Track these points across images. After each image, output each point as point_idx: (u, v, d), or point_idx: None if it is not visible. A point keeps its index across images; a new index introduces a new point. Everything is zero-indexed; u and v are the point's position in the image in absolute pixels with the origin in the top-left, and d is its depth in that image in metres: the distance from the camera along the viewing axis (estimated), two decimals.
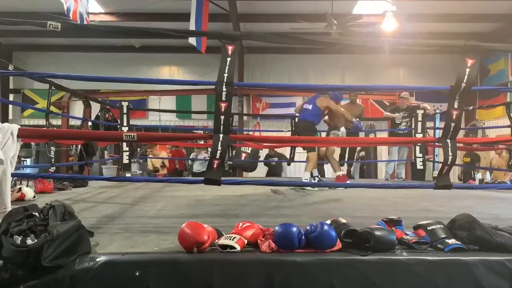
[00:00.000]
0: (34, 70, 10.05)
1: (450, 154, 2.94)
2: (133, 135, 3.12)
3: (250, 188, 4.99)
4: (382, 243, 2.17)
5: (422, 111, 7.23)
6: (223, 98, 2.80)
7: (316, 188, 5.24)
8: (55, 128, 7.73)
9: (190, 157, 10.39)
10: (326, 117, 5.96)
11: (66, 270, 1.98)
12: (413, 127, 7.23)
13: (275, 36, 3.66)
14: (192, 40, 8.14)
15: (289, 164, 7.65)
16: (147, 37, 10.60)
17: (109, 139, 6.25)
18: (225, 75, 2.79)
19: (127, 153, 7.04)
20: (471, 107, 8.27)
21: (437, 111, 8.60)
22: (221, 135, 2.84)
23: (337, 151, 8.12)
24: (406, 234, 2.35)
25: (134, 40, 11.66)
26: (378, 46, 6.45)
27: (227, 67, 2.80)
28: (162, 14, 9.73)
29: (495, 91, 9.83)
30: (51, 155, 5.11)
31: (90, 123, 7.09)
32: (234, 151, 8.86)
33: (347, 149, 8.13)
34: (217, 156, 2.83)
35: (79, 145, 6.84)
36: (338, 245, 2.18)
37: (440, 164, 3.08)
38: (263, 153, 9.79)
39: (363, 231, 2.22)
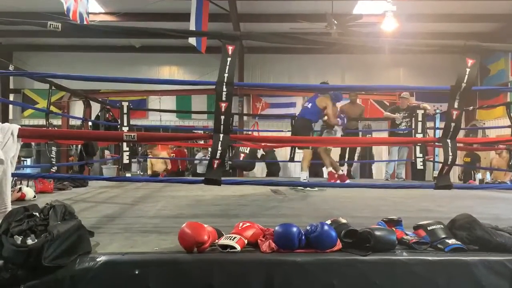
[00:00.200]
0: (34, 70, 10.05)
1: (450, 154, 2.94)
2: (134, 135, 3.12)
3: (250, 188, 5.00)
4: (382, 243, 2.18)
5: (422, 111, 7.24)
6: (224, 98, 2.80)
7: (316, 188, 5.24)
8: (55, 128, 7.73)
9: (196, 158, 10.38)
10: (326, 117, 5.97)
11: (67, 270, 1.98)
12: (413, 127, 7.23)
13: (275, 36, 3.66)
14: (192, 40, 8.13)
15: (292, 160, 7.64)
16: (147, 37, 10.62)
17: (109, 139, 6.25)
18: (225, 75, 2.79)
19: (127, 153, 7.04)
20: (471, 107, 8.27)
21: (437, 111, 8.61)
22: (221, 135, 2.84)
23: (337, 151, 8.15)
24: (406, 234, 2.35)
25: (134, 40, 11.65)
26: (378, 46, 6.45)
27: (227, 67, 2.80)
28: (162, 14, 9.72)
29: (495, 91, 9.83)
30: (52, 155, 5.11)
31: (90, 123, 7.09)
32: (233, 151, 8.89)
33: (347, 149, 8.13)
34: (217, 156, 2.83)
35: (79, 145, 6.84)
36: (338, 245, 2.18)
37: (440, 164, 3.08)
38: (262, 153, 9.81)
39: (363, 231, 2.22)
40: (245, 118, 11.70)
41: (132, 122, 7.49)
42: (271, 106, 11.93)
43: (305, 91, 9.15)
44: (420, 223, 2.43)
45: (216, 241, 2.20)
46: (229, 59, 2.80)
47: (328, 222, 2.33)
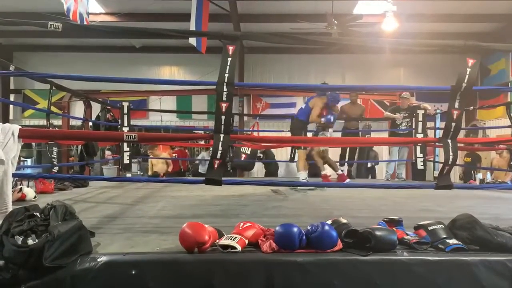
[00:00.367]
0: (35, 70, 10.03)
1: (451, 154, 2.94)
2: (134, 135, 3.12)
3: (251, 188, 5.00)
4: (383, 243, 2.18)
5: (422, 111, 7.23)
6: (224, 98, 2.80)
7: (313, 188, 5.24)
8: (56, 129, 7.73)
9: (199, 158, 10.37)
10: (323, 119, 5.96)
11: (67, 270, 1.98)
12: (413, 127, 7.23)
13: (276, 36, 3.66)
14: (192, 41, 8.13)
15: (292, 161, 7.65)
16: (147, 37, 10.59)
17: (110, 139, 6.24)
18: (226, 75, 2.80)
19: (128, 153, 7.04)
20: (472, 107, 8.27)
21: (438, 111, 8.60)
22: (222, 135, 2.84)
23: (338, 151, 8.15)
24: (407, 234, 2.35)
25: (134, 40, 11.67)
26: (379, 46, 6.43)
27: (227, 67, 2.80)
28: (162, 14, 9.73)
29: (495, 91, 9.82)
30: (54, 156, 5.11)
31: (90, 124, 7.09)
32: (233, 151, 8.88)
33: (348, 149, 8.13)
34: (218, 156, 2.83)
35: (80, 146, 6.84)
36: (339, 245, 2.18)
37: (441, 164, 3.08)
38: (259, 154, 9.81)
39: (363, 231, 2.22)
40: (245, 118, 11.70)
41: (133, 122, 7.49)
42: (271, 106, 11.93)
43: (305, 91, 9.15)
44: (421, 223, 2.43)
45: (217, 241, 2.20)
46: (229, 59, 2.80)
47: (329, 222, 2.33)
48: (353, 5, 9.23)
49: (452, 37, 10.02)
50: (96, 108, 7.77)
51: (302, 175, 5.72)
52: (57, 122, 9.55)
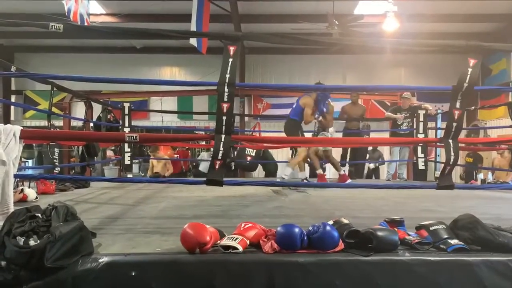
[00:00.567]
0: (36, 71, 10.02)
1: (452, 154, 2.94)
2: (136, 136, 3.12)
3: (252, 189, 5.00)
4: (385, 244, 2.18)
5: (423, 111, 7.22)
6: (225, 99, 2.80)
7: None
8: (57, 129, 7.74)
9: (200, 158, 10.37)
10: (320, 117, 5.94)
11: (69, 271, 1.98)
12: (414, 127, 7.22)
13: (277, 37, 3.66)
14: (193, 41, 8.14)
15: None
16: (148, 38, 10.60)
17: (111, 140, 6.25)
18: (227, 75, 2.80)
19: (129, 154, 7.05)
20: (473, 107, 8.26)
21: (439, 111, 8.59)
22: (223, 136, 2.84)
23: (339, 151, 8.13)
24: (409, 235, 2.35)
25: (135, 41, 11.68)
26: (379, 47, 6.44)
27: (229, 68, 2.80)
28: (163, 15, 9.74)
29: (496, 91, 9.81)
30: (55, 156, 5.11)
31: (91, 124, 7.09)
32: (236, 152, 8.88)
33: (349, 149, 8.13)
34: (219, 157, 2.83)
35: (81, 146, 6.84)
36: (341, 245, 2.18)
37: (442, 165, 3.07)
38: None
39: (365, 232, 2.22)
40: (246, 118, 11.70)
41: (134, 123, 7.49)
42: (272, 107, 11.93)
43: (306, 92, 9.13)
44: (422, 223, 2.43)
45: (218, 241, 2.20)
46: (230, 59, 2.81)
47: (330, 222, 2.33)
48: (353, 5, 9.24)
49: (453, 37, 10.01)
50: (97, 109, 7.78)
51: (287, 171, 5.73)
52: (58, 123, 9.57)
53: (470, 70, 2.82)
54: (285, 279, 2.06)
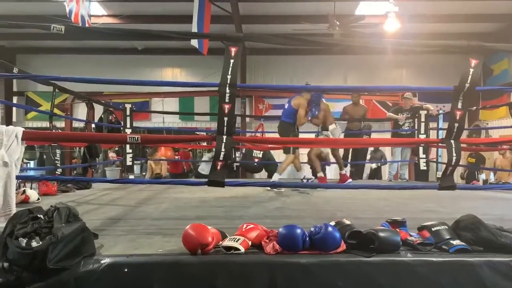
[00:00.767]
0: (38, 72, 10.06)
1: (454, 154, 2.93)
2: (137, 137, 3.12)
3: (253, 189, 4.99)
4: (387, 244, 2.18)
5: (425, 112, 7.21)
6: (227, 100, 2.80)
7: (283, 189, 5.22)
8: (59, 131, 7.75)
9: (203, 159, 10.36)
10: (310, 117, 5.87)
11: (71, 272, 1.99)
12: (416, 127, 7.21)
13: (278, 38, 3.67)
14: (194, 42, 8.15)
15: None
16: (149, 39, 10.66)
17: (113, 141, 6.26)
18: (229, 76, 2.80)
19: (131, 155, 7.05)
20: (474, 107, 8.24)
21: (440, 111, 8.58)
22: (224, 137, 2.84)
23: (340, 151, 8.11)
24: (411, 235, 2.35)
25: (137, 42, 11.70)
26: (381, 47, 6.44)
27: (230, 68, 2.80)
28: (164, 16, 9.76)
29: (498, 91, 9.81)
30: (57, 158, 5.11)
31: (93, 125, 7.10)
32: (243, 155, 8.87)
33: (350, 149, 8.12)
34: (221, 158, 2.83)
35: (82, 147, 6.85)
36: (343, 246, 2.18)
37: (444, 165, 3.07)
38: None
39: (367, 233, 2.22)
40: (247, 119, 11.71)
41: (135, 124, 7.50)
42: (274, 108, 11.93)
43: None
44: (424, 224, 2.42)
45: (220, 242, 2.21)
46: (232, 60, 2.81)
47: (332, 223, 2.33)
48: (355, 6, 9.23)
49: (454, 37, 10.01)
50: (98, 110, 7.79)
51: (275, 178, 5.64)
52: (60, 124, 9.57)
53: (471, 70, 2.82)
54: (287, 280, 2.06)
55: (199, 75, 11.76)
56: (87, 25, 7.12)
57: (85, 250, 2.07)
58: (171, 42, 11.23)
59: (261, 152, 8.93)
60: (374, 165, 9.28)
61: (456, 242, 2.24)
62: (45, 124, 6.92)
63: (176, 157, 10.19)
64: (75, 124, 9.73)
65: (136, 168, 9.68)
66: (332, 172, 8.54)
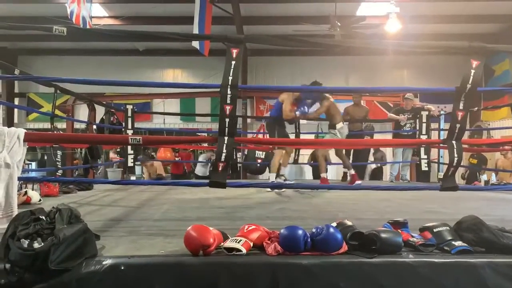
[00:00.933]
0: (39, 73, 10.08)
1: (456, 155, 2.93)
2: (139, 139, 3.13)
3: (254, 190, 4.98)
4: (388, 245, 2.17)
5: (426, 113, 7.21)
6: (228, 101, 2.81)
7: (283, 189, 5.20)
8: (60, 132, 7.75)
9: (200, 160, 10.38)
10: (299, 113, 5.82)
11: (73, 273, 1.99)
12: (417, 128, 7.21)
13: (279, 39, 3.67)
14: (195, 43, 8.16)
15: (295, 162, 7.63)
16: (151, 41, 10.67)
17: (115, 142, 6.26)
18: (230, 78, 2.80)
19: (132, 156, 7.06)
20: (476, 108, 8.23)
21: (442, 112, 8.57)
22: (226, 138, 2.84)
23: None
24: (412, 236, 2.34)
25: (138, 43, 11.72)
26: (382, 48, 6.44)
27: (231, 70, 2.81)
28: (165, 18, 9.77)
29: (500, 92, 9.79)
30: (58, 159, 5.12)
31: (95, 127, 7.10)
32: (244, 155, 8.87)
33: (352, 150, 8.11)
34: (222, 159, 2.83)
35: (84, 149, 6.86)
36: (344, 247, 2.18)
37: (445, 166, 3.07)
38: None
39: (369, 234, 2.22)
40: (248, 120, 11.70)
41: (137, 125, 7.51)
42: None
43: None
44: (426, 225, 2.42)
45: (222, 244, 2.20)
46: (233, 62, 2.81)
47: (334, 224, 2.33)
48: (356, 7, 9.24)
49: (455, 38, 10.01)
50: (100, 111, 7.79)
51: (272, 177, 5.63)
52: (61, 125, 9.58)
53: (473, 71, 2.82)
54: (288, 281, 2.05)
55: (200, 76, 11.77)
56: (88, 27, 7.13)
57: (87, 251, 2.07)
58: (172, 43, 11.25)
59: (264, 153, 8.92)
60: (373, 166, 9.28)
61: (458, 243, 2.23)
62: (47, 125, 6.94)
63: (177, 158, 10.19)
64: (77, 126, 9.75)
65: (138, 169, 9.69)
66: (332, 172, 8.53)
